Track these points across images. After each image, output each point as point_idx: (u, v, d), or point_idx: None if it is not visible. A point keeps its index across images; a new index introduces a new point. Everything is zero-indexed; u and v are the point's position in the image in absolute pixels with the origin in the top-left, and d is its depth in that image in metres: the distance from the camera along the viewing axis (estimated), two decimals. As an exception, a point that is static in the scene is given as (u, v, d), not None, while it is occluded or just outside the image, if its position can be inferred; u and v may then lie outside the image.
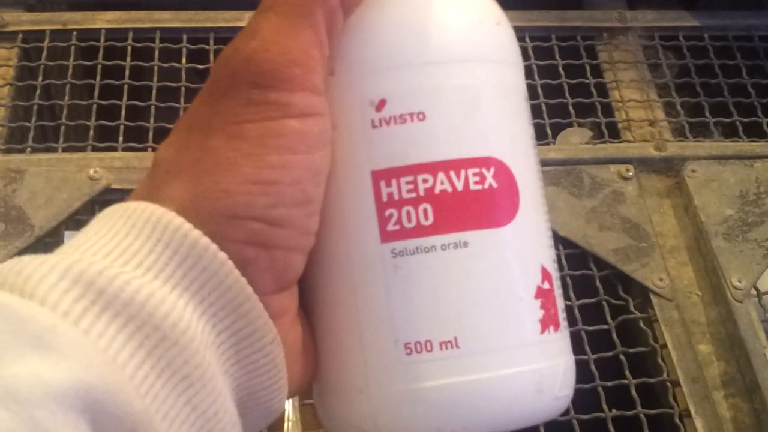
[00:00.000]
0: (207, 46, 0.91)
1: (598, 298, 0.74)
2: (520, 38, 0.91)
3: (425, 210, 0.35)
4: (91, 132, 0.83)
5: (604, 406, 0.68)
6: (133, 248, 0.32)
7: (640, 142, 0.86)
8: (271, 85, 0.33)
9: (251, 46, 0.34)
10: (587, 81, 0.91)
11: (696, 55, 0.95)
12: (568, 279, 0.74)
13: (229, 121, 0.33)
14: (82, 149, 0.81)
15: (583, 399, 0.67)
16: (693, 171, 0.81)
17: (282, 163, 0.33)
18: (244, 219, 0.32)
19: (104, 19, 0.93)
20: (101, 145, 0.82)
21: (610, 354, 0.71)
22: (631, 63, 0.93)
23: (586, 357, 0.70)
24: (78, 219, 0.76)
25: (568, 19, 0.97)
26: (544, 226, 0.38)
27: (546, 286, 0.36)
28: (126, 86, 0.87)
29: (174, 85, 0.88)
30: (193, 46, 0.91)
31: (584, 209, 0.78)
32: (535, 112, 0.86)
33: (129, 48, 0.91)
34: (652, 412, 0.68)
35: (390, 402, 0.35)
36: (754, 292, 0.73)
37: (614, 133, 0.88)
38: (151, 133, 0.84)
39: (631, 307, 0.74)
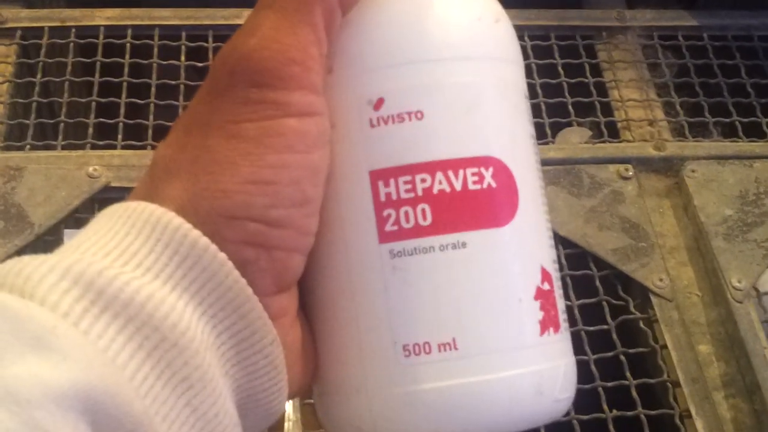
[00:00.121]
0: (206, 44, 0.91)
1: (597, 299, 0.74)
2: (520, 37, 0.91)
3: (423, 210, 0.34)
4: (90, 129, 0.83)
5: (605, 407, 0.68)
6: (133, 248, 0.31)
7: (639, 142, 0.86)
8: (270, 84, 0.33)
9: (249, 45, 0.33)
10: (586, 80, 0.91)
11: (695, 54, 0.95)
12: (568, 279, 0.74)
13: (228, 120, 0.33)
14: (81, 147, 0.81)
15: (583, 399, 0.66)
16: (692, 171, 0.81)
17: (281, 162, 0.33)
18: (242, 219, 0.32)
19: (103, 16, 0.93)
20: (100, 142, 0.82)
21: (610, 354, 0.71)
22: (630, 62, 0.93)
23: (586, 357, 0.70)
24: (77, 217, 0.75)
25: (568, 18, 0.97)
26: (544, 227, 0.37)
27: (546, 287, 0.36)
28: (125, 84, 0.87)
29: (173, 82, 0.88)
30: (192, 44, 0.91)
31: (583, 209, 0.78)
32: (535, 111, 0.85)
33: (128, 45, 0.90)
34: (653, 412, 0.68)
35: (389, 404, 0.35)
36: (754, 292, 0.73)
37: (613, 133, 0.88)
38: (150, 131, 0.84)
39: (631, 308, 0.74)
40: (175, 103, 0.86)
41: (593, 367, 0.70)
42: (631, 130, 0.88)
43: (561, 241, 0.76)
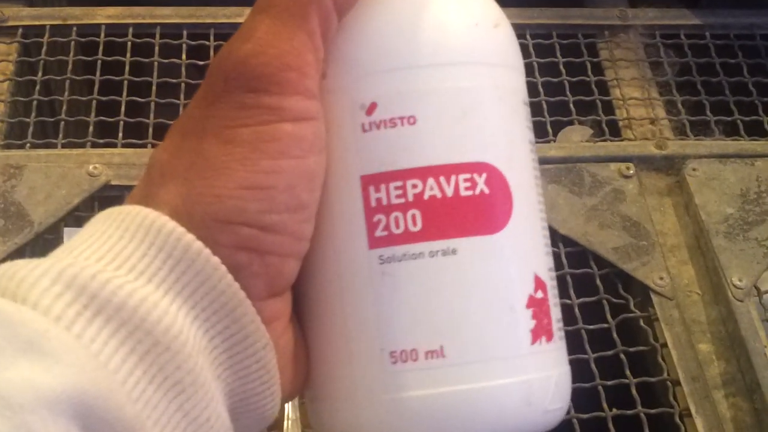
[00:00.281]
0: (207, 42, 0.91)
1: (598, 297, 0.74)
2: (521, 36, 0.92)
3: (414, 216, 0.34)
4: (91, 128, 0.83)
5: (605, 406, 0.68)
6: (126, 252, 0.31)
7: (640, 141, 0.86)
8: (265, 89, 0.33)
9: (245, 49, 0.33)
10: (588, 79, 0.91)
11: (697, 53, 0.95)
12: (568, 277, 0.74)
13: (223, 125, 0.33)
14: (82, 145, 0.81)
15: (583, 398, 0.67)
16: (694, 169, 0.81)
17: (275, 168, 0.33)
18: (236, 224, 0.32)
19: (104, 15, 0.93)
20: (101, 141, 0.82)
21: (610, 353, 0.71)
22: (632, 61, 0.93)
23: (586, 356, 0.70)
24: (77, 215, 0.75)
25: (570, 16, 0.97)
26: (540, 234, 0.37)
27: (539, 295, 0.35)
28: (126, 82, 0.87)
29: (174, 81, 0.88)
30: (193, 42, 0.91)
31: (584, 207, 0.78)
32: (536, 109, 0.86)
33: (129, 44, 0.90)
34: (653, 411, 0.68)
35: (376, 410, 0.34)
36: (754, 291, 0.73)
37: (615, 131, 0.88)
38: (150, 129, 0.84)
39: (632, 306, 0.74)
40: (176, 101, 0.86)
41: (593, 366, 0.70)
42: (633, 128, 0.87)
43: (562, 240, 0.76)
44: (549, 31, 0.95)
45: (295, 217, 0.33)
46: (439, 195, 0.34)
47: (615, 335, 0.72)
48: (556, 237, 0.76)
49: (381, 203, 0.34)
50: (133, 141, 0.82)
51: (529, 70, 0.88)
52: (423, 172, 0.34)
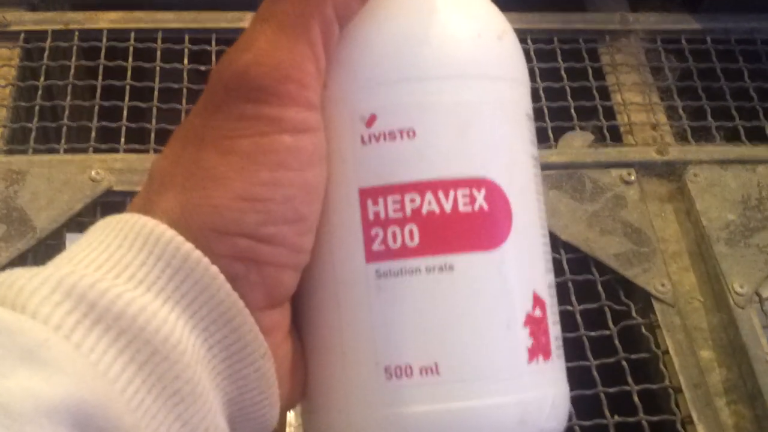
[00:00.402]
0: (209, 47, 0.91)
1: (599, 304, 0.74)
2: (522, 40, 0.91)
3: (411, 231, 0.34)
4: (93, 133, 0.83)
5: (606, 413, 0.68)
6: (125, 260, 0.31)
7: (642, 146, 0.86)
8: (265, 100, 0.33)
9: (245, 60, 0.33)
10: (589, 84, 0.91)
11: (698, 58, 0.95)
12: (570, 284, 0.74)
13: (222, 135, 0.33)
14: (84, 150, 0.81)
15: (584, 405, 0.67)
16: (695, 175, 0.81)
17: (274, 180, 0.32)
18: (233, 235, 0.32)
19: (106, 20, 0.93)
20: (103, 146, 0.82)
21: (611, 360, 0.71)
22: (633, 66, 0.93)
23: (587, 363, 0.70)
24: (80, 221, 0.75)
25: (571, 21, 0.97)
26: (540, 250, 0.36)
27: (537, 313, 0.35)
28: (128, 87, 0.87)
29: (176, 86, 0.88)
30: (195, 47, 0.91)
31: (586, 213, 0.78)
32: (537, 115, 0.85)
33: (131, 49, 0.90)
34: (654, 418, 0.68)
35: (370, 424, 0.34)
36: (756, 298, 0.73)
37: (616, 137, 0.88)
38: (152, 135, 0.84)
39: (633, 313, 0.74)
40: (178, 106, 0.86)
41: (595, 373, 0.70)
42: (634, 134, 0.87)
43: (563, 246, 0.76)
44: (550, 36, 0.95)
45: (293, 229, 0.33)
46: (437, 210, 0.34)
47: (616, 342, 0.72)
48: (557, 243, 0.76)
49: (379, 217, 0.34)
50: (135, 146, 0.82)
51: (530, 75, 0.88)
52: (421, 187, 0.34)
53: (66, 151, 0.81)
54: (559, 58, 0.93)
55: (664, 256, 0.76)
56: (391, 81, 0.34)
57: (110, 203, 0.77)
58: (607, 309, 0.74)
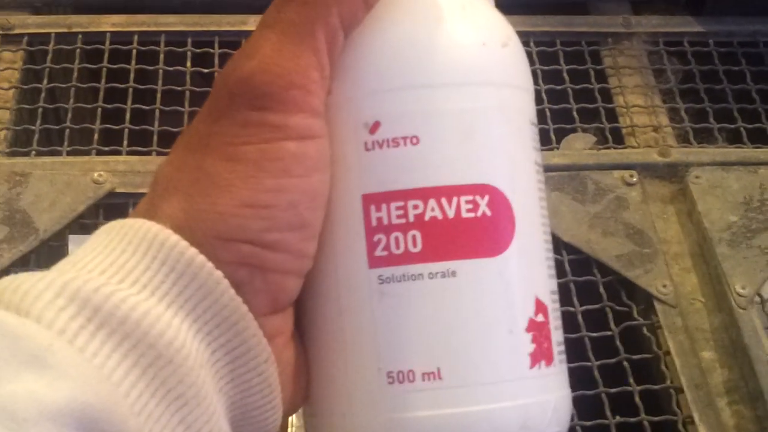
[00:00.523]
0: (212, 50, 0.92)
1: (601, 305, 0.74)
2: (525, 43, 0.91)
3: (414, 237, 0.34)
4: (96, 135, 0.83)
5: (608, 413, 0.68)
6: (129, 265, 0.31)
7: (644, 148, 0.86)
8: (269, 107, 0.33)
9: (250, 66, 0.33)
10: (591, 86, 0.91)
11: (700, 60, 0.95)
12: (572, 285, 0.74)
13: (227, 142, 0.33)
14: (87, 153, 0.81)
15: (586, 405, 0.67)
16: (697, 177, 0.81)
17: (278, 186, 0.32)
18: (237, 242, 0.32)
19: (109, 23, 0.93)
20: (106, 148, 0.82)
21: (613, 360, 0.71)
22: (635, 68, 0.93)
23: (589, 363, 0.70)
24: (82, 222, 0.76)
25: (573, 24, 0.97)
26: (543, 256, 0.36)
27: (540, 318, 0.35)
28: (131, 90, 0.87)
29: (179, 88, 0.88)
30: (198, 50, 0.91)
31: (588, 215, 0.78)
32: (540, 117, 0.85)
33: (134, 51, 0.91)
34: (656, 418, 0.68)
35: (371, 429, 0.34)
36: (757, 299, 0.73)
37: (618, 139, 0.88)
38: (155, 137, 0.84)
39: (635, 314, 0.74)
40: (181, 109, 0.86)
41: (596, 373, 0.70)
42: (636, 136, 0.87)
43: (565, 247, 0.76)
44: (553, 39, 0.95)
45: (297, 236, 0.33)
46: (440, 216, 0.34)
47: (618, 343, 0.72)
48: (559, 245, 0.76)
49: (382, 223, 0.34)
50: (138, 148, 0.82)
51: (532, 77, 0.88)
52: (424, 193, 0.34)
53: (69, 154, 0.82)
54: (562, 61, 0.93)
55: (666, 257, 0.76)
56: (395, 88, 0.34)
57: (113, 205, 0.77)
58: (608, 310, 0.74)
